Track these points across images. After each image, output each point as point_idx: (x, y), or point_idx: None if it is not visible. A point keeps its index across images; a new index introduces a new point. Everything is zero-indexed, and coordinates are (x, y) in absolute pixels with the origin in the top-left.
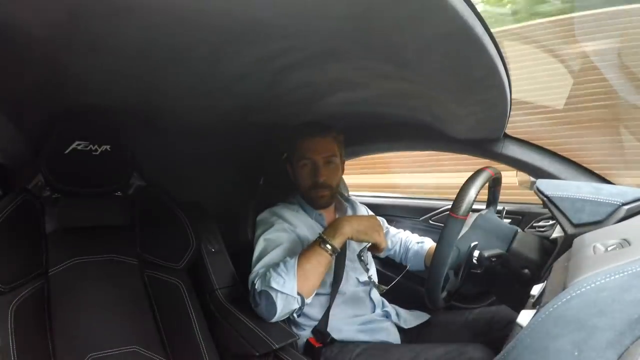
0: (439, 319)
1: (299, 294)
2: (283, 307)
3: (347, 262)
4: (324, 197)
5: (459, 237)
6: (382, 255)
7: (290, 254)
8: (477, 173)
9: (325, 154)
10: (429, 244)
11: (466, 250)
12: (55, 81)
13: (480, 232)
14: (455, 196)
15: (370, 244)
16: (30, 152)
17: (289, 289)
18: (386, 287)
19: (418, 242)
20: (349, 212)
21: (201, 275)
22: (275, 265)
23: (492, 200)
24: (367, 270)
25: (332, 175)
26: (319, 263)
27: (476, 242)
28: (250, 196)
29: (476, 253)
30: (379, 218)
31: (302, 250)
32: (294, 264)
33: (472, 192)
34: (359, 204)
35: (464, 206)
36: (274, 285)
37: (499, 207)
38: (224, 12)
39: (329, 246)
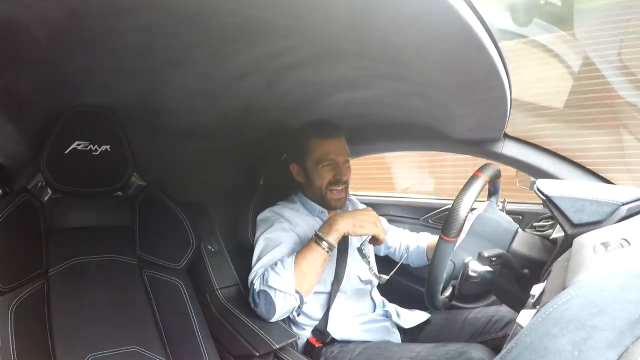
0: (439, 319)
1: (297, 292)
2: (282, 306)
3: (348, 260)
4: (342, 198)
5: (456, 247)
6: (381, 253)
7: (290, 253)
8: (469, 184)
9: (345, 155)
10: (427, 238)
11: (461, 264)
12: (55, 81)
13: (479, 239)
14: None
15: (370, 236)
16: (30, 152)
17: (287, 287)
18: (387, 277)
19: (418, 237)
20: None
21: (201, 275)
22: (273, 265)
23: (492, 192)
24: (368, 262)
25: (349, 175)
26: (316, 260)
27: (470, 257)
28: (250, 196)
29: (472, 265)
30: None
31: (299, 248)
32: (291, 262)
33: (462, 211)
34: (359, 203)
35: (455, 228)
36: (271, 284)
37: (500, 203)
38: (224, 12)
39: (324, 243)
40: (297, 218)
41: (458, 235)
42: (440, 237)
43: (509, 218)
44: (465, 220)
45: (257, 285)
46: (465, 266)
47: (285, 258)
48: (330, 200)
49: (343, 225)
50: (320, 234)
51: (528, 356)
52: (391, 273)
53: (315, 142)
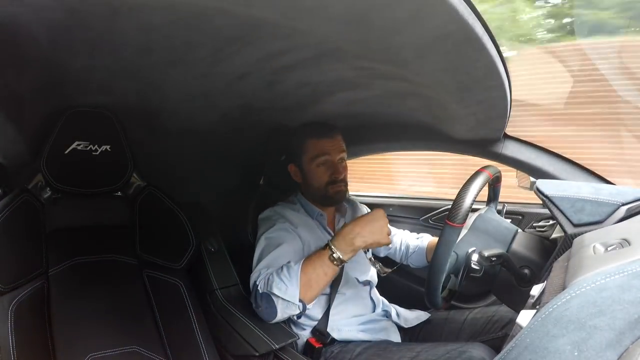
0: (439, 318)
1: (300, 300)
2: (283, 312)
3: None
4: (342, 191)
5: (458, 240)
6: (382, 254)
7: (291, 253)
8: (473, 177)
9: (340, 153)
10: (428, 238)
11: (464, 255)
12: (55, 81)
13: (480, 234)
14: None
15: None
16: (30, 152)
17: (291, 296)
18: (389, 270)
19: (418, 238)
20: (349, 212)
21: (201, 275)
22: (279, 270)
23: (492, 197)
24: (373, 263)
25: (346, 173)
26: (325, 274)
27: (474, 248)
28: (250, 196)
29: (475, 257)
30: None
31: (309, 256)
32: (298, 270)
33: (468, 200)
34: (359, 204)
35: (460, 214)
36: (275, 291)
37: (499, 206)
38: (224, 12)
39: (339, 259)
40: (298, 219)
41: (463, 222)
42: (445, 223)
43: (508, 222)
44: (470, 208)
45: (260, 288)
46: (468, 257)
47: (292, 265)
48: (332, 194)
49: (361, 243)
50: (335, 249)
51: (528, 356)
52: (394, 267)
53: (310, 142)
